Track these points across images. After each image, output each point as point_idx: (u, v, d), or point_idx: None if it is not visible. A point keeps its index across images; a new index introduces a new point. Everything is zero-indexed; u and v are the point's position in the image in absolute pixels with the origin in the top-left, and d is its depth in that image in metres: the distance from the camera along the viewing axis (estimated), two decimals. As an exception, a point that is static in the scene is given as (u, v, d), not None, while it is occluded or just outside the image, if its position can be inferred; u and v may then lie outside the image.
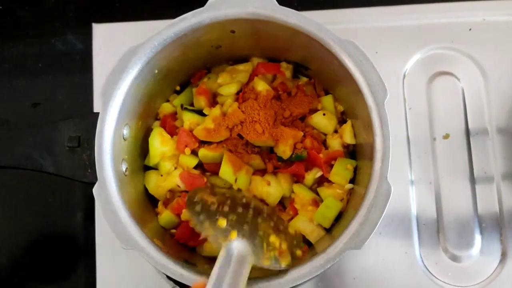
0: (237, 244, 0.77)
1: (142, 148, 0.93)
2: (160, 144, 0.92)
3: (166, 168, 0.92)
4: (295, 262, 0.80)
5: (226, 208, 0.83)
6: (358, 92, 0.80)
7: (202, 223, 0.79)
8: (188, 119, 0.93)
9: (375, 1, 1.11)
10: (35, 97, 1.12)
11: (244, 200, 0.87)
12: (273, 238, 0.82)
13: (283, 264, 0.78)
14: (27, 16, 1.17)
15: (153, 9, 1.16)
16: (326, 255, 0.76)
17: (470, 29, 1.09)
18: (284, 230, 0.87)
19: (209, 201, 0.84)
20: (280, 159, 0.91)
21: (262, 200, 0.91)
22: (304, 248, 0.86)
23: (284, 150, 0.90)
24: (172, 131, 0.94)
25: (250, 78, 0.97)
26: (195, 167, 0.93)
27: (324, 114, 0.93)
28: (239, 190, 0.91)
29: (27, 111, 1.11)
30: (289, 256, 0.80)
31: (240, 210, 0.84)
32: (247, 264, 0.75)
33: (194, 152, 0.92)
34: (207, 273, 0.77)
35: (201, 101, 0.95)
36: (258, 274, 0.77)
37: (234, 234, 0.78)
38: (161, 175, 0.93)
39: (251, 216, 0.84)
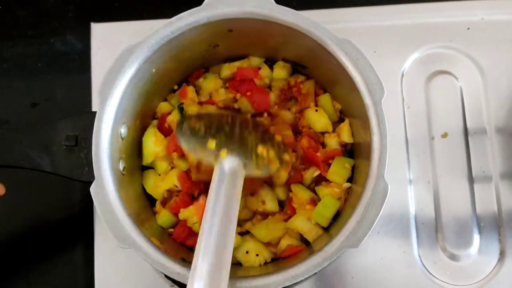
0: (228, 161, 0.83)
1: (139, 147, 0.93)
2: (153, 144, 0.92)
3: (162, 168, 0.92)
4: (285, 167, 0.89)
5: (213, 130, 0.88)
6: (355, 90, 0.80)
7: (194, 149, 0.85)
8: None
9: (374, 0, 1.11)
10: (34, 97, 1.12)
11: (229, 119, 0.90)
12: (260, 149, 0.87)
13: (273, 169, 0.86)
14: (27, 16, 1.17)
15: (152, 9, 1.16)
16: (323, 254, 0.76)
17: (468, 28, 1.09)
18: (270, 139, 0.91)
19: (196, 127, 0.87)
20: None
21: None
22: (292, 154, 0.91)
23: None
24: (170, 131, 0.94)
25: None
26: None
27: (316, 110, 0.94)
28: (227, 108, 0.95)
29: (26, 111, 1.11)
30: (277, 161, 0.87)
31: (227, 128, 0.89)
32: (240, 176, 0.82)
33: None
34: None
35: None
36: (255, 272, 0.77)
37: (224, 152, 0.84)
38: (159, 175, 0.93)
39: (238, 132, 0.89)
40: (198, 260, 0.71)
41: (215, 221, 0.75)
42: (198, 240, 0.74)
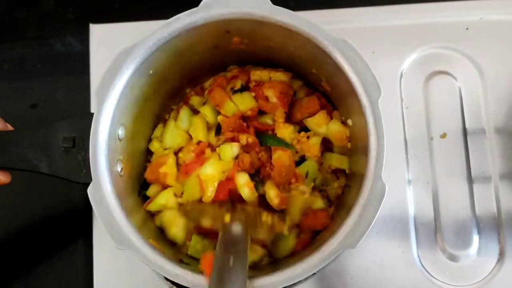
0: (234, 226, 0.83)
1: (137, 148, 0.94)
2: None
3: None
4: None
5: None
6: (352, 91, 0.80)
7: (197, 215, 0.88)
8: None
9: (372, 0, 1.11)
10: (34, 98, 1.12)
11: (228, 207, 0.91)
12: (264, 216, 0.88)
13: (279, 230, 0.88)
14: (26, 18, 1.18)
15: (152, 10, 1.17)
16: (320, 254, 0.76)
17: (467, 29, 1.09)
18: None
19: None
20: None
21: None
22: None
23: None
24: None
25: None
26: None
27: None
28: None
29: (26, 112, 1.11)
30: (282, 226, 0.89)
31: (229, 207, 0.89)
32: (246, 240, 0.81)
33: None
34: (202, 273, 0.78)
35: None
36: (252, 274, 0.77)
37: (227, 217, 0.85)
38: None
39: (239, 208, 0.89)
40: None
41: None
42: None
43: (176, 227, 0.90)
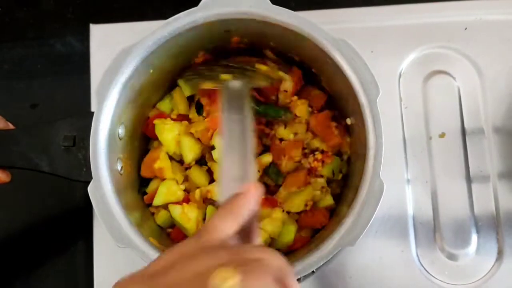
0: (232, 82, 0.88)
1: (137, 147, 0.94)
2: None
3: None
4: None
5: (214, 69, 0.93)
6: (351, 90, 0.80)
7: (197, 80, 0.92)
8: None
9: (371, 0, 1.11)
10: (34, 98, 1.12)
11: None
12: (257, 65, 0.92)
13: (274, 76, 0.92)
14: (26, 18, 1.17)
15: (152, 10, 1.17)
16: (319, 252, 0.77)
17: (466, 28, 1.09)
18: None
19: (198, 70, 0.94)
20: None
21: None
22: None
23: None
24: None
25: None
26: None
27: None
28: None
29: (26, 112, 1.11)
30: (277, 72, 0.93)
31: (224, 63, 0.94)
32: (246, 91, 0.86)
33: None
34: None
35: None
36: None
37: (226, 76, 0.89)
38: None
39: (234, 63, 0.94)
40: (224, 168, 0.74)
41: (234, 134, 0.78)
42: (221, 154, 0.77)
43: (190, 218, 0.90)
